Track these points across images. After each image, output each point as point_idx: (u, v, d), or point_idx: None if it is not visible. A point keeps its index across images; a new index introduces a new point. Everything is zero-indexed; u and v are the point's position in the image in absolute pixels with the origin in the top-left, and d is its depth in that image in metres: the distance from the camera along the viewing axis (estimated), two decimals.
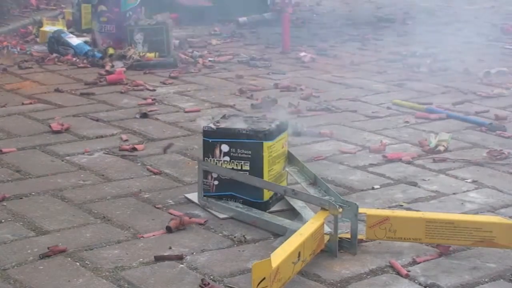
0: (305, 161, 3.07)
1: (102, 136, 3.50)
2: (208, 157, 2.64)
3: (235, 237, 2.43)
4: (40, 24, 6.16)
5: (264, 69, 4.96)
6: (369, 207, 2.61)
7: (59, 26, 5.77)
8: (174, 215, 2.57)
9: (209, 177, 2.65)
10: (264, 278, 1.94)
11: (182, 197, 2.77)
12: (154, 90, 4.37)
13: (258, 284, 1.93)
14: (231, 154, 2.61)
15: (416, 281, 2.16)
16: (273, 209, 2.64)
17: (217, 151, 2.62)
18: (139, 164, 3.13)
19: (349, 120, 3.77)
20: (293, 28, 6.48)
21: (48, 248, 2.32)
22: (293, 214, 2.58)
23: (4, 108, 3.97)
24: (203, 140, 2.64)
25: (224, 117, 2.72)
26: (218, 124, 2.64)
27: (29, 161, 3.16)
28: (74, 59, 5.14)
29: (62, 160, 3.17)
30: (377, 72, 4.87)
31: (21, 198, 2.76)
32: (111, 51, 5.14)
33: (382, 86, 4.51)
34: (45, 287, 2.13)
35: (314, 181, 2.58)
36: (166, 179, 2.95)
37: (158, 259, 2.28)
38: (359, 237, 2.34)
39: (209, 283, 2.12)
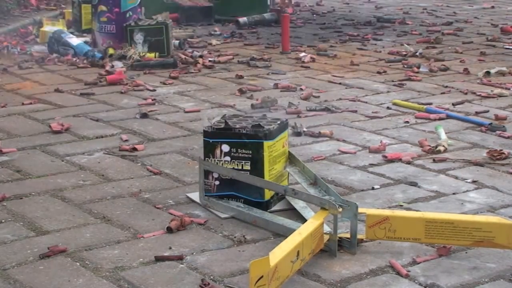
0: (305, 161, 3.08)
1: (102, 136, 3.50)
2: (209, 157, 2.64)
3: (235, 237, 2.43)
4: (40, 24, 6.17)
5: (264, 69, 4.96)
6: (369, 207, 2.61)
7: (59, 26, 5.78)
8: (174, 215, 2.57)
9: (210, 177, 2.65)
10: (262, 277, 1.94)
11: (182, 197, 2.77)
12: (154, 90, 4.37)
13: (256, 282, 1.93)
14: (232, 154, 2.61)
15: (416, 281, 2.16)
16: (274, 208, 2.65)
17: (218, 151, 2.62)
18: (139, 164, 3.13)
19: (349, 120, 3.77)
20: (293, 28, 6.49)
21: (48, 248, 2.32)
22: (294, 214, 2.58)
23: (4, 108, 3.98)
24: (204, 140, 2.65)
25: (224, 117, 2.72)
26: (218, 125, 2.64)
27: (29, 161, 3.16)
28: (74, 59, 5.14)
29: (62, 160, 3.17)
30: (377, 72, 4.87)
31: (21, 198, 2.76)
32: (111, 51, 5.15)
33: (382, 86, 4.51)
34: (45, 287, 2.13)
35: (315, 181, 2.58)
36: (166, 179, 2.95)
37: (158, 259, 2.28)
38: (359, 237, 2.34)
39: (209, 283, 2.12)
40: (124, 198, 2.77)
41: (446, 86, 4.48)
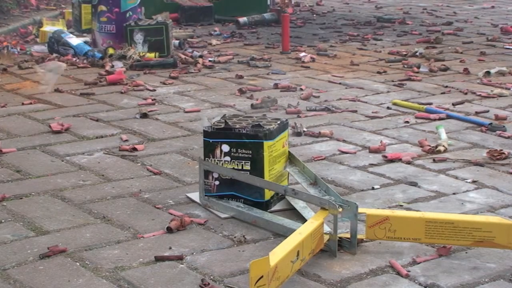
0: (305, 161, 3.08)
1: (102, 136, 3.50)
2: (209, 157, 2.64)
3: (235, 237, 2.43)
4: (40, 24, 6.17)
5: (264, 69, 4.96)
6: (369, 207, 2.61)
7: (59, 26, 5.78)
8: (174, 215, 2.57)
9: (210, 177, 2.65)
10: (262, 277, 1.94)
11: (182, 197, 2.77)
12: (154, 90, 4.37)
13: (256, 282, 1.93)
14: (232, 154, 2.61)
15: (416, 281, 2.16)
16: (274, 208, 2.65)
17: (218, 151, 2.62)
18: (139, 164, 3.13)
19: (349, 120, 3.77)
20: (293, 28, 6.49)
21: (48, 248, 2.32)
22: (294, 214, 2.58)
23: (4, 108, 3.98)
24: (204, 140, 2.65)
25: (224, 117, 2.72)
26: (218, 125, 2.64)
27: (29, 161, 3.16)
28: (74, 59, 5.14)
29: (62, 160, 3.17)
30: (377, 72, 4.87)
31: (21, 198, 2.76)
32: (111, 51, 5.15)
33: (382, 86, 4.51)
34: (45, 287, 2.13)
35: (315, 181, 2.58)
36: (166, 179, 2.95)
37: (158, 259, 2.28)
38: (359, 237, 2.34)
39: (209, 283, 2.12)
40: (124, 198, 2.77)
41: (446, 86, 4.49)
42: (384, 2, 8.71)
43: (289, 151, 2.73)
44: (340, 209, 2.30)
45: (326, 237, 2.31)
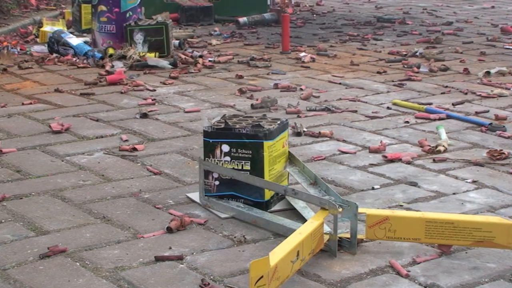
0: (305, 161, 3.08)
1: (102, 136, 3.50)
2: (209, 157, 2.64)
3: (235, 237, 2.43)
4: (40, 24, 6.17)
5: (264, 69, 4.96)
6: (369, 207, 2.61)
7: (59, 26, 5.78)
8: (174, 215, 2.57)
9: (210, 177, 2.65)
10: (262, 277, 1.94)
11: (182, 197, 2.77)
12: (154, 90, 4.37)
13: (256, 283, 1.93)
14: (232, 154, 2.61)
15: (416, 281, 2.16)
16: (274, 208, 2.65)
17: (218, 151, 2.62)
18: (139, 164, 3.13)
19: (349, 120, 3.77)
20: (293, 28, 6.49)
21: (48, 248, 2.32)
22: (294, 214, 2.58)
23: (4, 108, 3.98)
24: (204, 140, 2.65)
25: (224, 117, 2.72)
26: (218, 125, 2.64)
27: (29, 161, 3.16)
28: (74, 59, 5.14)
29: (62, 160, 3.17)
30: (377, 72, 4.87)
31: (21, 198, 2.76)
32: (111, 51, 5.15)
33: (382, 86, 4.51)
34: (45, 287, 2.13)
35: (315, 181, 2.58)
36: (166, 179, 2.95)
37: (158, 259, 2.28)
38: (359, 237, 2.34)
39: (209, 283, 2.12)
40: (124, 198, 2.77)
41: (446, 86, 4.49)
42: (384, 2, 8.72)
43: (289, 151, 2.73)
44: (340, 209, 2.30)
45: (326, 237, 2.31)
